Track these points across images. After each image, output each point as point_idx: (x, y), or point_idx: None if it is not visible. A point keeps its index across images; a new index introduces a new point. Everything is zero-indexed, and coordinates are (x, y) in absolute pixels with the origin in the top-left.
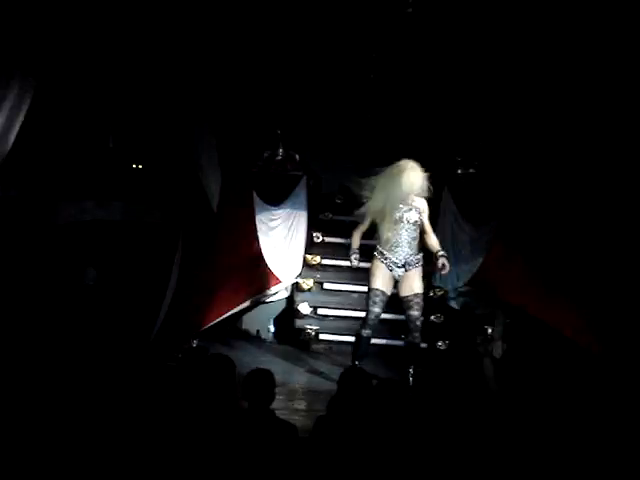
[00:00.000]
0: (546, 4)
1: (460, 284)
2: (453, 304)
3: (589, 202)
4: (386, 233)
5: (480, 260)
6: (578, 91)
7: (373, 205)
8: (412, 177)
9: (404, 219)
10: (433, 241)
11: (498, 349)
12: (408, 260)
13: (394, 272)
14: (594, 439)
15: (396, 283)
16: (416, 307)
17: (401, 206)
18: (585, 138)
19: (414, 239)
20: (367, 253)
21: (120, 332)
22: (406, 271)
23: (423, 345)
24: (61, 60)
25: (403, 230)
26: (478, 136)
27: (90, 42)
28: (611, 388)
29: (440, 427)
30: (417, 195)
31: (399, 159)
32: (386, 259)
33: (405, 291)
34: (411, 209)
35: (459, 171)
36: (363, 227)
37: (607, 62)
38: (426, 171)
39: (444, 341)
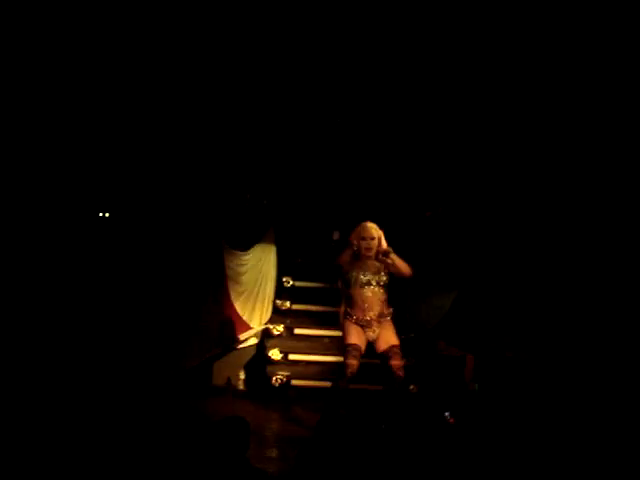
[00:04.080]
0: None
1: (431, 326)
2: (424, 347)
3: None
4: (355, 297)
5: (448, 303)
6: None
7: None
8: (370, 241)
9: (372, 282)
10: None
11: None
12: (379, 320)
13: (368, 333)
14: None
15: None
16: (397, 356)
17: (369, 268)
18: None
19: (384, 300)
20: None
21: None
22: (379, 327)
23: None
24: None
25: (372, 292)
26: (445, 179)
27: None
28: (585, 429)
29: (414, 471)
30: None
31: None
32: (359, 321)
33: (382, 347)
34: (379, 271)
35: (427, 213)
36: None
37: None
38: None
39: (415, 385)
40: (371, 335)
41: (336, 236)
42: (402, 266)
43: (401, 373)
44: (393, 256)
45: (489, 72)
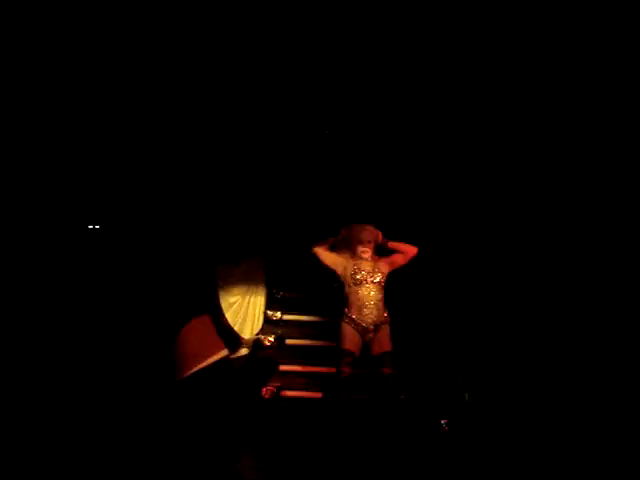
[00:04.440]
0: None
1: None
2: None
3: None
4: (351, 296)
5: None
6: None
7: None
8: (367, 244)
9: (367, 280)
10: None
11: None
12: (376, 322)
13: (365, 335)
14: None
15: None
16: (387, 364)
17: (363, 267)
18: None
19: (380, 299)
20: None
21: None
22: (376, 332)
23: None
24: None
25: (367, 291)
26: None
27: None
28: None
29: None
30: (375, 254)
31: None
32: (356, 325)
33: (376, 350)
34: (373, 269)
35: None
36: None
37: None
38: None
39: (405, 394)
40: (369, 336)
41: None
42: (404, 247)
43: (389, 380)
44: (391, 244)
45: (476, 85)
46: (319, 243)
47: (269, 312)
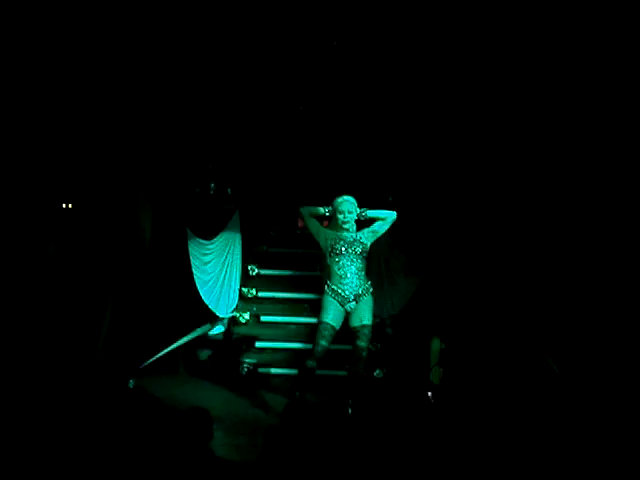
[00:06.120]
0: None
1: (396, 311)
2: (389, 331)
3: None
4: (332, 267)
5: (413, 287)
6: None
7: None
8: (346, 210)
9: (349, 250)
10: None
11: (435, 375)
12: (357, 292)
13: (346, 307)
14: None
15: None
16: (364, 338)
17: (344, 238)
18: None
19: (361, 270)
20: (311, 284)
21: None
22: (357, 302)
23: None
24: None
25: (348, 262)
26: (409, 166)
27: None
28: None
29: (381, 457)
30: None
31: (332, 192)
32: (337, 295)
33: (354, 322)
34: (354, 240)
35: (390, 199)
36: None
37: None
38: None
39: (381, 369)
40: (350, 306)
41: (300, 224)
42: (383, 213)
43: (364, 354)
44: (369, 212)
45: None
46: (308, 207)
47: (244, 289)
